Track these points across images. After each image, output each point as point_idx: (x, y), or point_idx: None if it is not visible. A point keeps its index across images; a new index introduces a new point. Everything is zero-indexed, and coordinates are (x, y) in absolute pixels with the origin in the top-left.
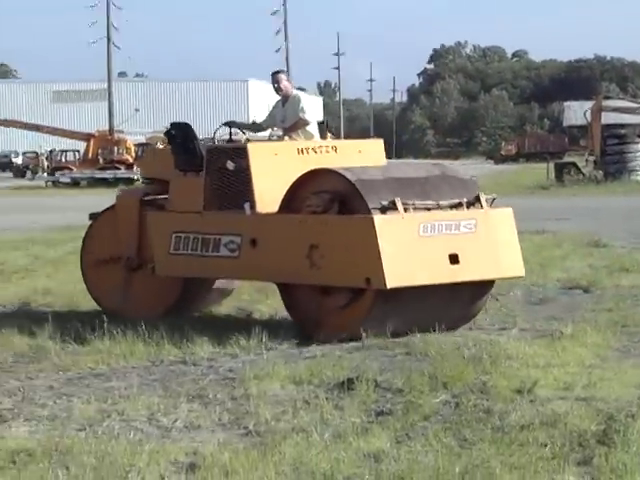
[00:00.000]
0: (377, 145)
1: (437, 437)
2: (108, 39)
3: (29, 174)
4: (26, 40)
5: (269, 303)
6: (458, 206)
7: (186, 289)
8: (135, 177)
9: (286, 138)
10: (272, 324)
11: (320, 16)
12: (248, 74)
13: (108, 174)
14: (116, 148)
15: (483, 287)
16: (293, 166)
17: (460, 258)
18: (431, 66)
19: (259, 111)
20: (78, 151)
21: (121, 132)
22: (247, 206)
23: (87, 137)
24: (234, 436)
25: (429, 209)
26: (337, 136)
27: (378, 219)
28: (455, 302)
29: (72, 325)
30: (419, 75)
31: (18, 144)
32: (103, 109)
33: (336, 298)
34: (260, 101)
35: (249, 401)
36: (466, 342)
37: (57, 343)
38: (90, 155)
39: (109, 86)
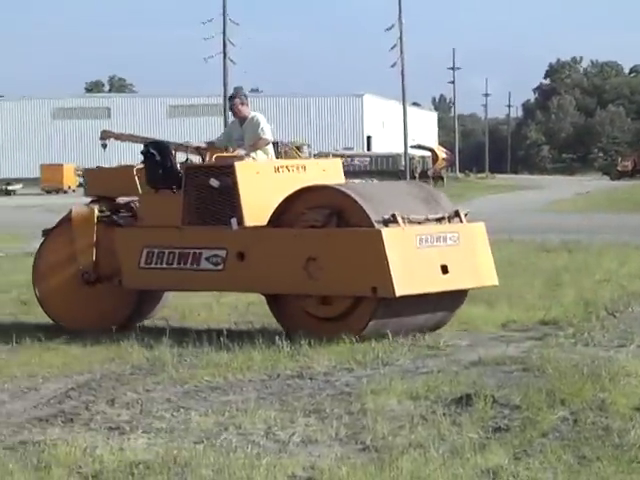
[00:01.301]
0: (337, 164)
1: (555, 454)
2: (224, 54)
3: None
4: (142, 54)
5: None
6: (441, 220)
7: (140, 302)
8: None
9: (246, 158)
10: (387, 339)
11: (435, 31)
12: (363, 89)
13: None
14: None
15: (460, 296)
16: (273, 183)
17: (449, 268)
18: (547, 81)
19: (374, 125)
20: None
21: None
22: (234, 221)
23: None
24: (351, 451)
25: (420, 222)
26: (451, 151)
27: (385, 231)
28: (438, 309)
29: (189, 338)
30: (534, 90)
31: (131, 158)
32: (218, 124)
33: (332, 307)
34: (375, 116)
35: (366, 416)
36: (584, 359)
37: (174, 356)
38: None
39: (225, 101)
